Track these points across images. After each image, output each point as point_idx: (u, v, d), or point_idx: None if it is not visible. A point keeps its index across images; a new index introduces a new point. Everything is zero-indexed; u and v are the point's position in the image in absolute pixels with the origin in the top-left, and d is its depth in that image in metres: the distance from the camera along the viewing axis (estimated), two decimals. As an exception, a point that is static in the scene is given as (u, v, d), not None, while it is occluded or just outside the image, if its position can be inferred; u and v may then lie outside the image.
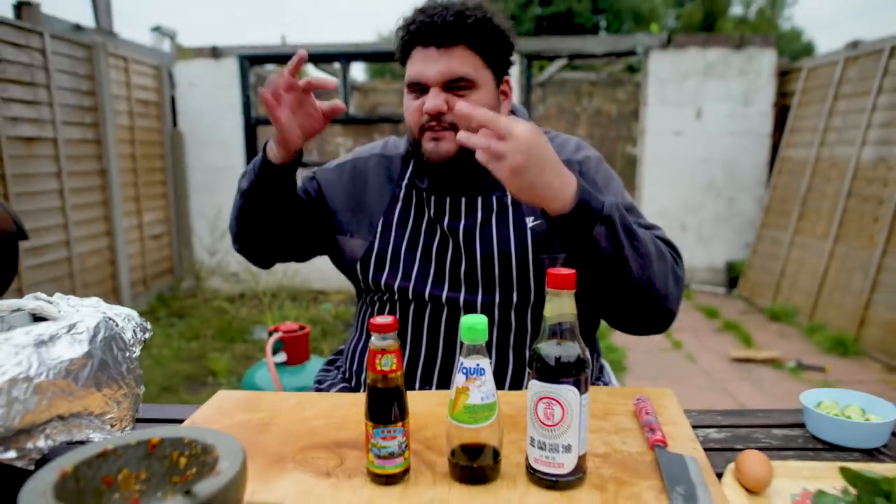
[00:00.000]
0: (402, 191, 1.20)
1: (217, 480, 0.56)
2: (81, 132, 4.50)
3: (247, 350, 4.02)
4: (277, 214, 1.17)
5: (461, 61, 1.06)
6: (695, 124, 5.74)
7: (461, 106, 0.88)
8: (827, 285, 4.40)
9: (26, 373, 0.73)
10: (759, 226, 5.57)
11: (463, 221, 1.14)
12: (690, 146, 5.77)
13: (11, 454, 0.73)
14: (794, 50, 17.76)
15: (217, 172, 5.97)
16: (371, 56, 6.22)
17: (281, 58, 6.05)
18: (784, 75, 5.73)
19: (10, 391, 0.71)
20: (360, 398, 1.01)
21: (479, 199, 1.14)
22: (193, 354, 3.97)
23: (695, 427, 0.95)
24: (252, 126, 6.03)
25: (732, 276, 5.75)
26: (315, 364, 2.22)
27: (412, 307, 1.15)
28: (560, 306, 0.73)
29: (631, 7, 20.64)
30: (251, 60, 5.93)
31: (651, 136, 5.82)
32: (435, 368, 1.15)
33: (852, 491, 0.67)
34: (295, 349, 2.16)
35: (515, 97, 5.77)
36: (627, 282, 0.96)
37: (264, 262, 1.31)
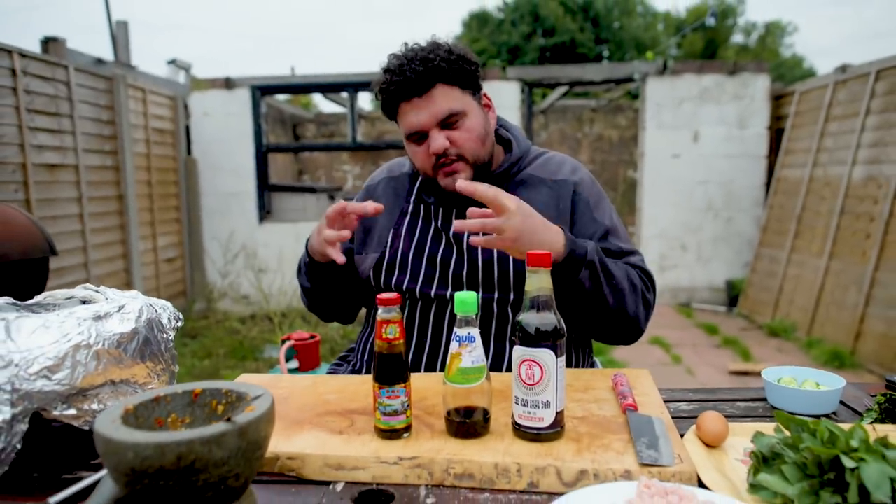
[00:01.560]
0: (411, 205, 1.34)
1: (252, 413, 0.68)
2: (101, 159, 4.70)
3: (258, 367, 4.14)
4: (343, 289, 1.36)
5: (444, 99, 1.20)
6: (692, 147, 5.90)
7: (462, 186, 1.03)
8: (823, 301, 4.49)
9: (87, 341, 0.86)
10: (757, 245, 5.68)
11: (466, 231, 1.26)
12: (688, 168, 5.93)
13: (72, 411, 0.86)
14: (795, 76, 18.02)
15: (229, 198, 6.16)
16: (377, 85, 6.43)
17: (291, 88, 6.29)
18: (778, 99, 5.91)
19: (74, 355, 0.84)
20: (369, 378, 1.13)
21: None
22: (206, 372, 4.09)
23: (667, 401, 1.07)
24: (263, 153, 6.23)
25: (733, 295, 5.84)
26: (325, 371, 2.34)
27: (419, 305, 1.28)
28: (539, 281, 0.86)
29: (633, 37, 21.06)
30: (263, 90, 6.16)
31: (650, 159, 5.98)
32: (438, 358, 1.27)
33: (786, 433, 0.78)
34: (306, 356, 2.28)
35: (518, 124, 5.97)
36: (604, 311, 1.15)
37: (344, 320, 1.50)
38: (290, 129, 9.43)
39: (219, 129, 6.13)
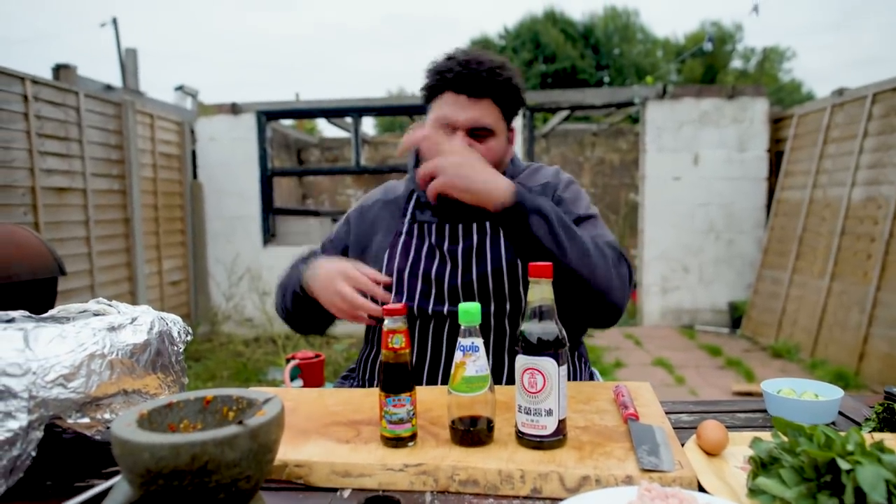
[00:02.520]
0: (405, 225, 1.36)
1: (263, 417, 0.71)
2: (108, 183, 4.77)
3: (261, 389, 4.14)
4: (321, 315, 1.30)
5: (486, 112, 1.24)
6: (693, 170, 5.96)
7: (404, 141, 1.11)
8: (826, 322, 4.49)
9: (101, 350, 0.88)
10: (758, 266, 5.70)
11: (461, 244, 1.29)
12: (689, 191, 5.97)
13: (86, 420, 0.88)
14: (794, 100, 18.24)
15: (234, 221, 6.22)
16: (381, 110, 6.55)
17: (296, 113, 6.38)
18: (777, 122, 5.98)
19: (89, 364, 0.87)
20: (374, 391, 1.15)
21: (475, 225, 1.30)
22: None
23: (668, 413, 1.08)
24: (268, 177, 6.31)
25: (736, 317, 5.83)
26: (329, 391, 2.35)
27: (417, 322, 1.30)
28: (540, 291, 0.89)
29: (633, 63, 21.37)
30: (268, 116, 6.26)
31: (650, 182, 6.03)
32: (438, 373, 1.28)
33: (784, 438, 0.80)
34: (311, 375, 2.29)
35: (519, 149, 6.05)
36: (568, 270, 1.08)
37: (320, 333, 1.50)
38: (294, 153, 9.54)
39: (224, 154, 6.22)
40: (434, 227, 1.32)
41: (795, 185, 5.41)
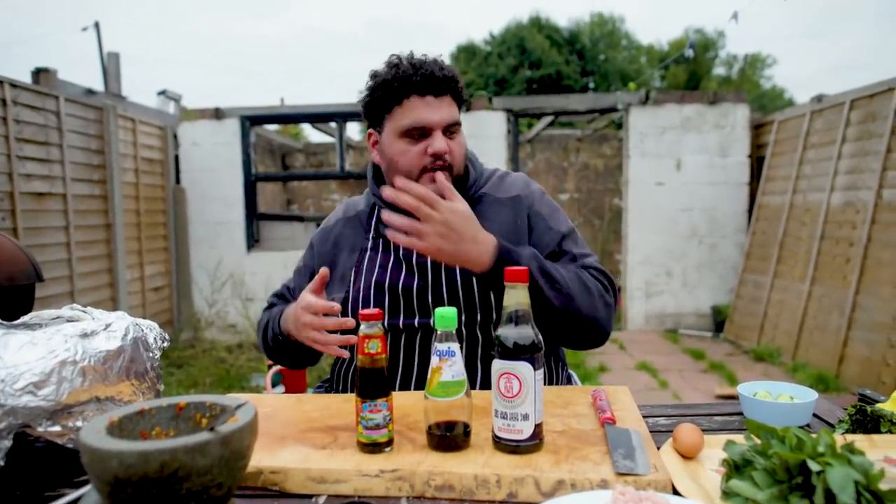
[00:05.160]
0: (370, 241, 1.34)
1: (235, 423, 0.70)
2: (89, 188, 4.71)
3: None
4: (308, 352, 1.29)
5: (452, 109, 1.25)
6: (675, 175, 6.01)
7: (388, 193, 1.08)
8: (807, 325, 4.55)
9: (73, 357, 0.87)
10: (741, 271, 5.76)
11: (430, 257, 1.26)
12: (672, 196, 6.03)
13: (57, 428, 0.87)
14: (776, 107, 18.51)
15: (218, 227, 6.17)
16: (366, 115, 6.52)
17: (280, 118, 6.35)
18: (758, 128, 6.06)
19: (60, 371, 0.85)
20: (352, 396, 1.14)
21: None
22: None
23: (646, 416, 1.09)
24: (252, 182, 6.27)
25: (719, 321, 5.89)
26: (311, 397, 2.34)
27: (388, 336, 1.27)
28: (516, 296, 0.89)
29: (617, 69, 21.56)
30: (252, 121, 6.23)
31: (634, 187, 6.08)
32: (410, 385, 1.27)
33: (757, 441, 0.81)
34: (293, 381, 2.28)
35: (503, 154, 6.06)
36: (555, 314, 1.14)
37: (310, 365, 1.47)
38: (279, 158, 9.50)
39: (208, 159, 6.17)
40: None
41: (776, 190, 5.48)
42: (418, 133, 1.22)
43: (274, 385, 2.28)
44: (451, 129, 1.24)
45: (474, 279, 1.25)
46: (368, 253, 1.33)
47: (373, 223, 1.36)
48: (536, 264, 1.13)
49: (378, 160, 1.33)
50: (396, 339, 1.28)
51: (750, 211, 5.96)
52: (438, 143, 1.21)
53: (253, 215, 6.29)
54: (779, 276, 5.13)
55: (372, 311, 0.90)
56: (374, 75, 1.25)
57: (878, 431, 0.98)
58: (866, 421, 1.00)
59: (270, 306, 1.46)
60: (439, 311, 0.89)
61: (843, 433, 0.98)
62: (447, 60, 1.29)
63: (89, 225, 4.71)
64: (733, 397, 3.81)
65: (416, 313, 1.27)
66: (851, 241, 4.28)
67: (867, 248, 4.08)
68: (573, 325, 1.18)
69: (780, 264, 5.15)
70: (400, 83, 1.21)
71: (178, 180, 6.16)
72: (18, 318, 1.65)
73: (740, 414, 1.11)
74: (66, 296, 4.38)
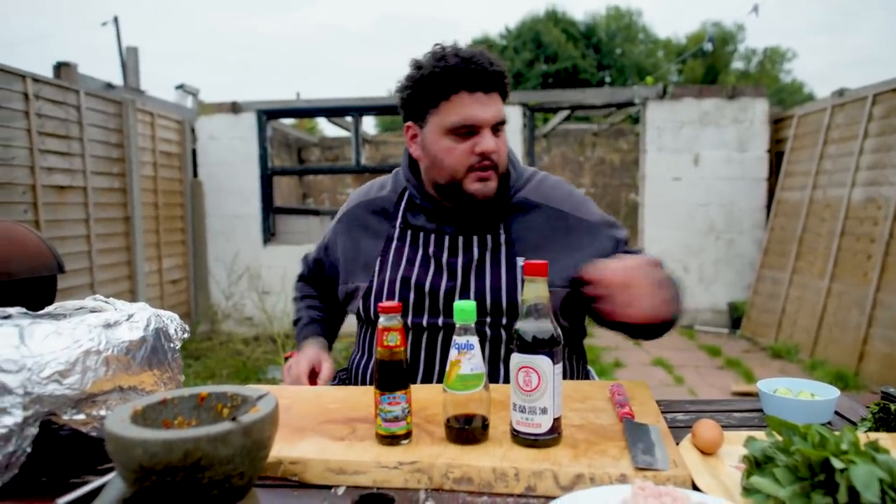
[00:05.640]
0: (397, 230, 1.31)
1: (257, 413, 0.71)
2: (109, 181, 4.77)
3: (260, 388, 4.14)
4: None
5: (500, 106, 1.20)
6: (693, 170, 5.95)
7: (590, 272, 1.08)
8: (826, 322, 4.49)
9: (97, 347, 0.89)
10: (758, 267, 5.69)
11: (461, 258, 1.25)
12: (689, 191, 5.97)
13: (81, 416, 0.88)
14: (795, 101, 18.26)
15: (234, 220, 6.22)
16: (382, 109, 6.54)
17: (296, 112, 6.38)
18: (777, 123, 5.97)
19: (84, 360, 0.87)
20: (370, 389, 1.15)
21: (476, 239, 1.26)
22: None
23: (664, 412, 1.08)
24: (268, 176, 6.31)
25: (735, 317, 5.83)
26: (327, 389, 2.36)
27: (410, 335, 1.26)
28: (536, 290, 0.89)
29: (634, 63, 21.37)
30: (268, 115, 6.26)
31: (651, 182, 6.03)
32: (432, 384, 1.27)
33: (778, 437, 0.80)
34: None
35: (519, 148, 6.04)
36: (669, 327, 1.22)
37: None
38: (294, 152, 9.54)
39: (224, 153, 6.22)
40: (432, 236, 1.27)
41: (795, 185, 5.41)
42: (466, 131, 1.17)
43: (290, 377, 2.29)
44: (497, 128, 1.20)
45: (503, 285, 1.23)
46: (395, 243, 1.30)
47: (400, 212, 1.32)
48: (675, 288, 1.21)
49: (418, 155, 1.26)
50: (418, 338, 1.26)
51: (768, 207, 5.88)
52: (487, 142, 1.17)
53: (269, 209, 6.33)
54: (797, 272, 5.06)
55: (391, 303, 0.90)
56: (418, 66, 1.19)
57: (902, 430, 0.97)
58: (890, 419, 0.98)
59: (301, 278, 1.58)
60: (458, 304, 0.89)
61: (865, 431, 0.97)
62: None
63: (109, 218, 4.77)
64: (750, 394, 3.81)
65: (440, 313, 1.24)
66: (873, 237, 4.21)
67: (889, 245, 4.01)
68: (668, 328, 1.24)
69: (798, 261, 5.09)
70: (449, 77, 1.15)
71: (195, 174, 6.22)
72: (42, 308, 1.68)
73: (759, 410, 1.10)
74: (87, 287, 4.44)
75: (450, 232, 1.26)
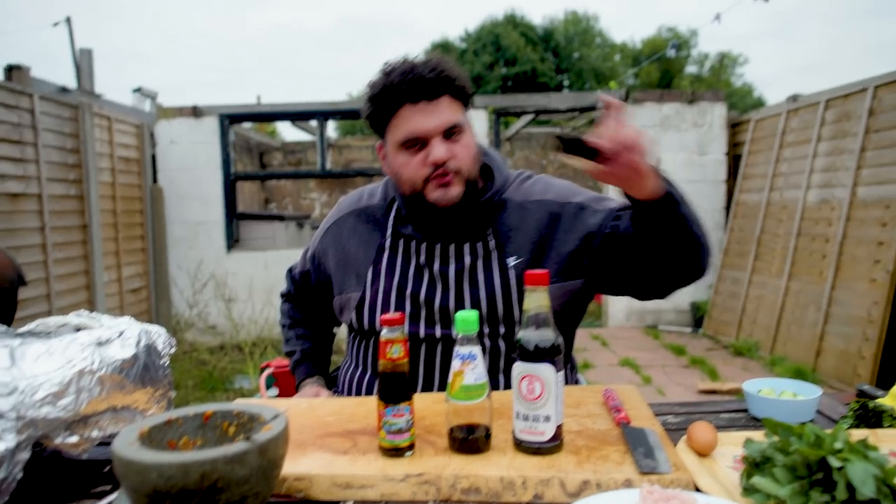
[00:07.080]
0: (388, 240, 1.29)
1: (271, 432, 0.70)
2: (65, 188, 4.60)
3: (229, 398, 4.05)
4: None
5: (450, 110, 1.17)
6: (655, 173, 6.09)
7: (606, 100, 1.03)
8: (784, 320, 4.65)
9: (91, 367, 0.86)
10: (719, 267, 5.87)
11: (453, 266, 1.24)
12: (652, 193, 6.10)
13: (74, 438, 0.86)
14: (746, 104, 18.90)
15: (197, 226, 6.08)
16: (346, 113, 6.49)
17: (260, 116, 6.28)
18: (735, 126, 6.17)
19: (78, 381, 0.84)
20: (366, 400, 1.14)
21: (467, 246, 1.25)
22: (175, 405, 3.98)
23: (655, 415, 1.11)
24: (232, 181, 6.19)
25: (698, 316, 5.99)
26: (305, 399, 2.32)
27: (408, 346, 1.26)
28: (537, 299, 0.90)
29: (592, 67, 21.77)
30: (231, 119, 6.14)
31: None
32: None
33: (775, 438, 0.83)
34: (286, 384, 2.25)
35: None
36: (686, 234, 1.19)
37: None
38: (256, 157, 9.39)
39: (186, 158, 6.07)
40: (424, 245, 1.26)
41: (753, 187, 5.60)
42: (415, 143, 1.17)
43: (268, 387, 2.25)
44: (451, 132, 1.17)
45: (498, 291, 1.22)
46: (387, 252, 1.28)
47: (390, 221, 1.30)
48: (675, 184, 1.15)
49: (387, 171, 1.27)
50: (416, 349, 1.24)
51: (727, 208, 6.07)
52: (437, 151, 1.15)
53: (233, 215, 6.21)
54: (756, 272, 5.24)
55: (394, 315, 0.90)
56: (372, 86, 1.19)
57: (881, 426, 1.02)
58: (869, 416, 1.03)
59: (287, 297, 1.55)
60: (460, 314, 0.90)
61: (847, 428, 1.01)
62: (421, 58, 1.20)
63: (65, 226, 4.60)
64: (716, 392, 3.92)
65: (437, 323, 1.23)
66: (827, 237, 4.39)
67: (842, 245, 4.19)
68: (693, 243, 1.21)
69: (757, 260, 5.26)
70: (391, 93, 1.15)
71: (155, 179, 6.05)
72: (2, 321, 1.61)
73: (745, 411, 1.14)
74: (43, 298, 4.28)
75: (439, 241, 1.26)
